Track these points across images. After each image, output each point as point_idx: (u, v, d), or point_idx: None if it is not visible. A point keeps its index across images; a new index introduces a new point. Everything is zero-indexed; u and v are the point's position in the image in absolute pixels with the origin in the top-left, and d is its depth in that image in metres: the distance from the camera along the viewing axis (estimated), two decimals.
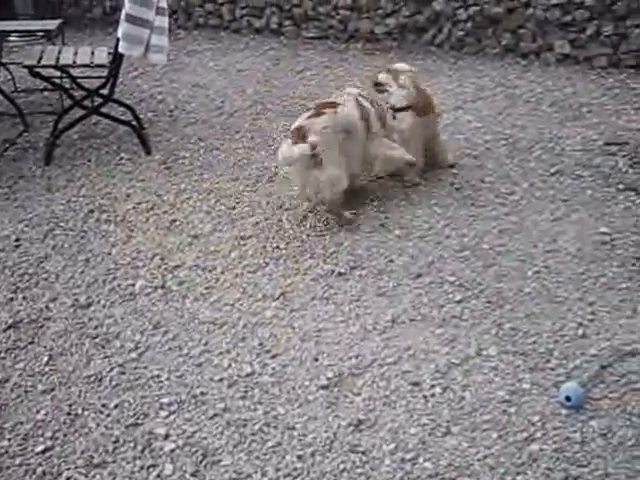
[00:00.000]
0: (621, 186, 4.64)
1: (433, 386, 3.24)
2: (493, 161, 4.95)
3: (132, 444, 2.98)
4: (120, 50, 4.76)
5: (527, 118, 5.47)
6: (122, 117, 5.41)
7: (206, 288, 3.84)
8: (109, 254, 4.11)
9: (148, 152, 5.06)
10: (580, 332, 3.52)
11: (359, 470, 2.88)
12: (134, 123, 5.30)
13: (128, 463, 2.91)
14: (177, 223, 4.34)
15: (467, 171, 4.83)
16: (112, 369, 3.35)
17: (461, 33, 6.45)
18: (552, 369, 3.32)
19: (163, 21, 4.78)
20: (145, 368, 3.35)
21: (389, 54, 6.57)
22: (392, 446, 2.97)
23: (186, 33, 7.14)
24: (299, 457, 2.93)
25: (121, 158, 5.00)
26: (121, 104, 5.39)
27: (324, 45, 6.78)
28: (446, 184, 4.66)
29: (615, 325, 3.58)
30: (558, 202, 4.51)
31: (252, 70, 6.34)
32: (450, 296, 3.74)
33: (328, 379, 3.27)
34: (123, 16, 4.70)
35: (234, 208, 4.47)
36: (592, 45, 6.16)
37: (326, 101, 4.51)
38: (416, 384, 3.25)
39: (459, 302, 3.70)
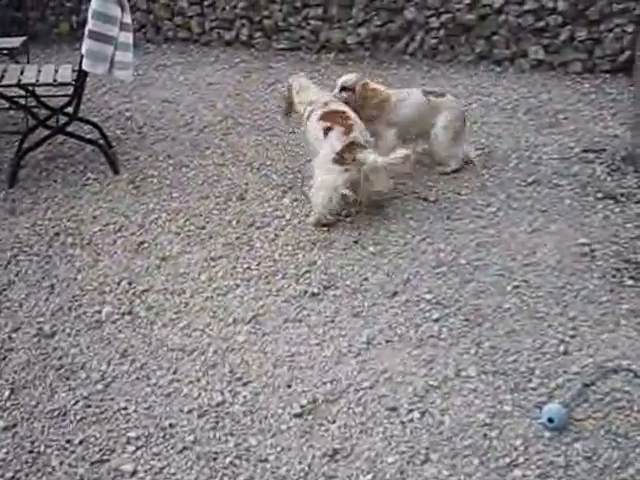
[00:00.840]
0: (600, 194, 4.56)
1: (411, 411, 3.13)
2: (469, 172, 4.86)
3: None
4: (84, 68, 4.63)
5: (503, 126, 5.39)
6: (89, 135, 5.28)
7: (175, 313, 3.71)
8: (75, 279, 3.98)
9: (116, 171, 4.92)
10: (562, 349, 3.42)
11: None
12: (101, 142, 5.16)
13: None
14: (145, 245, 4.21)
15: (443, 183, 4.73)
16: (77, 402, 3.21)
17: (434, 41, 6.37)
18: (534, 389, 3.22)
19: (127, 37, 4.66)
20: (111, 400, 3.22)
21: (362, 64, 6.48)
22: (369, 477, 2.85)
23: (155, 47, 7.02)
24: None
25: (88, 178, 4.87)
26: (87, 122, 5.25)
27: (296, 56, 6.68)
28: (421, 197, 4.55)
29: (597, 340, 3.48)
30: (536, 213, 4.42)
31: (222, 84, 6.23)
32: (427, 314, 3.63)
33: (302, 407, 3.15)
34: (86, 32, 4.57)
35: (204, 228, 4.34)
36: (566, 50, 6.10)
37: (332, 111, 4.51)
38: (393, 409, 3.13)
39: (436, 321, 3.59)
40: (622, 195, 4.55)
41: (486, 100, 5.77)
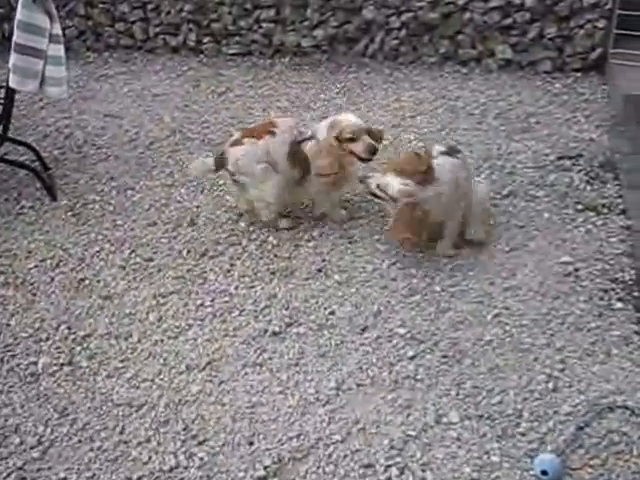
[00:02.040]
0: (579, 206, 4.34)
1: (389, 467, 2.88)
2: None
3: None
4: (11, 85, 4.29)
5: (472, 133, 5.15)
6: (23, 157, 4.93)
7: (121, 361, 3.40)
8: (7, 325, 3.65)
9: (53, 198, 4.59)
10: (550, 385, 3.20)
11: None
12: (36, 164, 4.82)
13: None
14: (86, 282, 3.89)
15: None
16: (10, 474, 2.91)
17: (395, 42, 6.11)
18: (523, 434, 3.00)
19: (58, 50, 4.32)
20: (49, 469, 2.93)
21: (319, 68, 6.19)
22: None
23: (96, 56, 6.65)
24: None
25: (22, 207, 4.52)
26: (20, 143, 4.90)
27: (248, 62, 6.36)
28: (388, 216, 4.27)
29: (588, 373, 3.27)
30: (513, 229, 4.18)
31: (169, 94, 5.90)
32: (401, 352, 3.38)
33: (266, 468, 2.88)
34: (12, 45, 4.23)
35: (151, 260, 4.03)
36: (535, 49, 5.88)
37: (260, 127, 4.32)
38: (369, 466, 2.89)
39: (412, 358, 3.35)
40: (603, 206, 4.34)
41: (453, 104, 5.52)
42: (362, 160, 4.09)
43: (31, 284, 3.90)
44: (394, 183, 3.78)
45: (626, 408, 3.08)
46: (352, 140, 4.03)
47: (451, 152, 4.08)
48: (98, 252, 4.11)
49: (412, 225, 3.78)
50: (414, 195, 3.74)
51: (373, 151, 4.06)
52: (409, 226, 3.78)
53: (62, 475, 2.88)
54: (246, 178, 4.07)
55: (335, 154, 4.05)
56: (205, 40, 6.52)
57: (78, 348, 3.48)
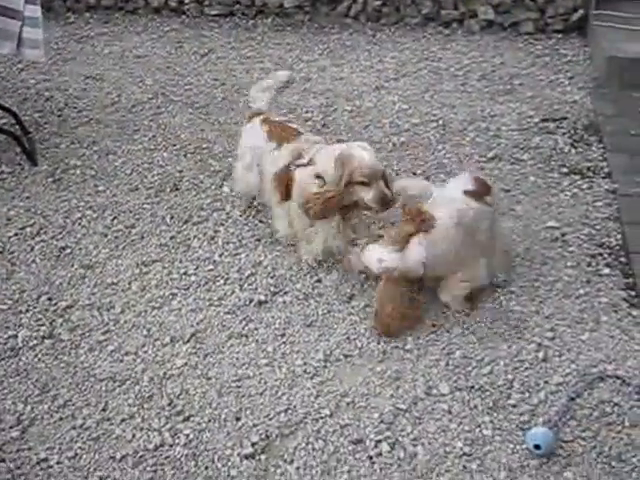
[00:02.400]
0: (564, 169, 4.12)
1: (379, 442, 2.68)
2: (423, 148, 4.37)
3: None
4: None
5: (456, 95, 4.89)
6: (2, 122, 4.62)
7: (103, 333, 3.17)
8: None
9: (34, 163, 4.30)
10: (541, 355, 3.01)
11: None
12: (16, 128, 4.52)
13: None
14: (67, 251, 3.63)
15: (397, 161, 4.23)
16: None
17: (378, 3, 5.80)
18: (514, 406, 2.81)
19: (35, 10, 4.00)
20: (30, 450, 2.70)
21: (301, 29, 5.87)
22: None
23: (76, 16, 6.27)
24: None
25: (1, 172, 4.22)
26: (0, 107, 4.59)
27: (230, 23, 6.02)
28: None
29: (578, 342, 3.08)
30: (499, 193, 3.95)
31: (151, 56, 5.56)
32: None
33: (253, 445, 2.68)
34: None
35: (134, 226, 3.77)
36: (517, 10, 5.59)
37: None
38: (359, 441, 2.69)
39: None
40: (588, 169, 4.12)
41: (436, 66, 5.24)
42: (368, 209, 3.28)
43: (10, 253, 3.63)
44: (372, 256, 3.08)
45: (617, 378, 2.90)
46: (363, 184, 3.21)
47: (475, 195, 3.21)
48: (79, 219, 3.84)
49: (398, 305, 3.05)
50: (395, 267, 3.03)
51: (385, 202, 3.22)
52: (395, 308, 3.05)
53: (43, 455, 2.66)
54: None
55: (334, 204, 3.24)
56: (187, 1, 6.17)
57: (59, 320, 3.24)
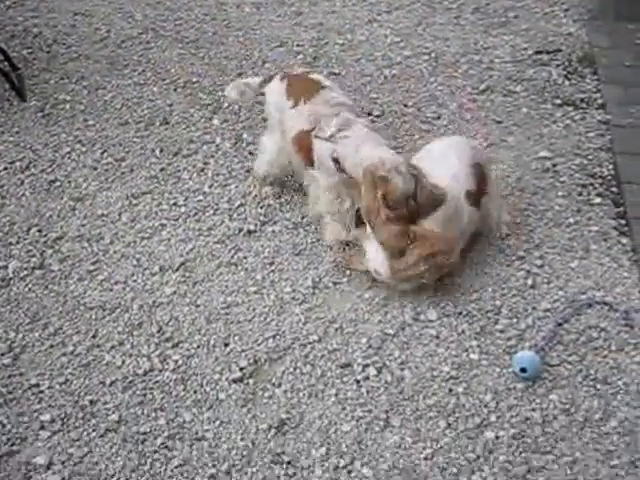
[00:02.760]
0: (558, 101, 4.06)
1: (366, 366, 2.69)
2: (415, 80, 4.29)
3: None
4: None
5: (449, 28, 4.79)
6: None
7: (93, 263, 3.16)
8: None
9: (22, 98, 4.23)
10: (529, 282, 3.01)
11: None
12: (4, 64, 4.44)
13: None
14: (57, 184, 3.60)
15: (388, 94, 4.17)
16: None
17: None
18: (501, 331, 2.81)
19: None
20: (21, 375, 2.70)
21: None
22: (323, 450, 2.44)
23: None
24: (211, 477, 2.37)
25: None
26: None
27: None
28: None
29: (567, 269, 3.07)
30: (491, 124, 3.91)
31: None
32: None
33: (242, 369, 2.69)
34: None
35: (123, 159, 3.73)
36: None
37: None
38: (346, 365, 2.70)
39: None
40: (582, 100, 4.06)
41: None
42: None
43: (0, 187, 3.60)
44: (373, 260, 2.96)
45: (605, 303, 2.90)
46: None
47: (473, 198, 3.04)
48: (69, 153, 3.79)
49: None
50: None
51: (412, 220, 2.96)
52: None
53: (34, 381, 2.67)
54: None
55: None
56: None
57: (49, 251, 3.22)
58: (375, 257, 2.95)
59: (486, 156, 3.34)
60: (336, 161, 3.09)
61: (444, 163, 3.08)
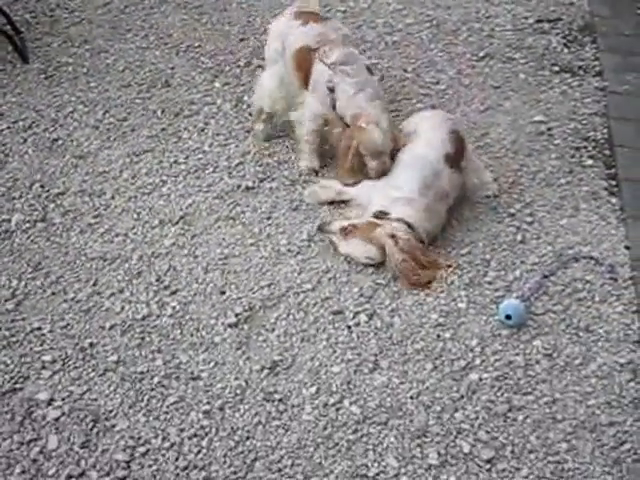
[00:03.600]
0: (556, 68, 4.19)
1: (357, 313, 2.85)
2: (415, 47, 4.43)
3: (9, 415, 2.55)
4: None
5: None
6: None
7: (94, 217, 3.32)
8: None
9: (25, 60, 4.38)
10: (519, 237, 3.16)
11: (276, 422, 2.51)
12: (7, 28, 4.58)
13: (5, 440, 2.47)
14: (59, 142, 3.75)
15: (387, 60, 4.30)
16: None
17: None
18: (489, 283, 2.97)
19: None
20: (24, 320, 2.87)
21: None
22: (313, 389, 2.59)
23: None
24: (206, 413, 2.53)
25: None
26: None
27: None
28: None
29: (556, 226, 3.22)
30: (489, 89, 4.04)
31: None
32: None
33: (237, 315, 2.84)
34: None
35: (125, 120, 3.88)
36: None
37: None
38: (338, 312, 2.85)
39: None
40: (580, 68, 4.19)
41: None
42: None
43: (3, 144, 3.75)
44: (358, 254, 3.03)
45: (591, 258, 3.05)
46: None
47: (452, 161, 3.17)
48: (71, 113, 3.95)
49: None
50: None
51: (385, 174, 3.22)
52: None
53: (36, 325, 2.83)
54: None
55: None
56: None
57: (51, 205, 3.38)
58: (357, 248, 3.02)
59: (462, 126, 3.49)
60: (331, 90, 3.24)
61: (419, 134, 3.23)
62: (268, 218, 3.26)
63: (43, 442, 2.45)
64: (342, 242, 3.00)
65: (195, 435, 2.46)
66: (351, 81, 3.24)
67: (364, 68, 3.36)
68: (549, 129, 3.75)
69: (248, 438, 2.46)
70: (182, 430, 2.48)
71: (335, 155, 3.43)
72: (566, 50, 4.37)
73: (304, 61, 3.37)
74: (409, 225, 2.98)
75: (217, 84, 4.12)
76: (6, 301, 2.94)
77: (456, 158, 3.16)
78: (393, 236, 2.92)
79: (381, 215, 3.02)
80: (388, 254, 2.93)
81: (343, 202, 3.29)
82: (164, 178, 3.50)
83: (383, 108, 3.28)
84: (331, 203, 3.32)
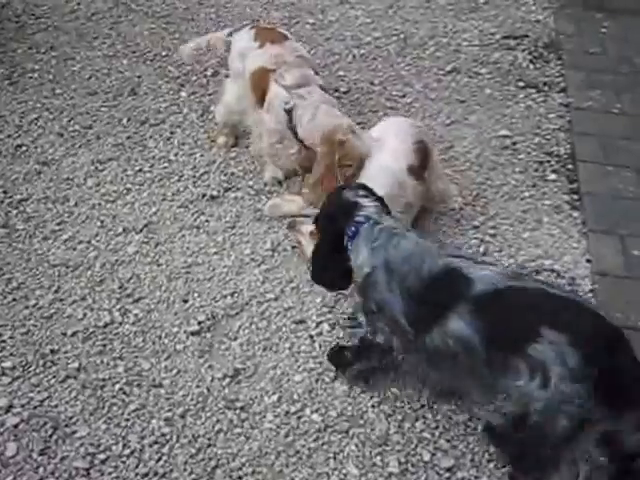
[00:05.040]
0: (521, 83, 4.29)
1: (320, 323, 2.90)
2: (383, 60, 4.51)
3: None
4: None
5: (420, 11, 5.02)
6: None
7: (57, 224, 3.33)
8: None
9: None
10: (481, 249, 3.22)
11: (237, 430, 2.54)
12: None
13: None
14: (23, 149, 3.76)
15: (355, 73, 4.37)
16: None
17: None
18: None
19: None
20: None
21: None
22: (275, 398, 2.63)
23: None
24: (167, 420, 2.56)
25: None
26: None
27: None
28: (330, 90, 4.16)
29: (518, 239, 3.30)
30: (454, 103, 4.13)
31: None
32: None
33: (200, 323, 2.88)
34: None
35: (91, 127, 3.91)
36: None
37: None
38: (301, 322, 2.90)
39: None
40: (544, 84, 4.30)
41: None
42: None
43: None
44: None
45: (552, 271, 3.13)
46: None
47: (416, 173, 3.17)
48: (36, 119, 3.96)
49: None
50: None
51: None
52: None
53: None
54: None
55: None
56: None
57: (14, 212, 3.39)
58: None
59: (428, 134, 3.52)
60: (288, 112, 3.30)
61: (384, 142, 3.23)
62: (232, 227, 3.30)
63: (1, 449, 2.46)
64: (310, 246, 3.03)
65: (156, 442, 2.48)
66: (307, 104, 3.30)
67: (317, 88, 3.40)
68: (514, 143, 3.84)
69: (209, 446, 2.49)
70: (143, 437, 2.50)
71: (299, 174, 3.50)
72: (531, 66, 4.48)
73: (260, 81, 3.44)
74: None
75: (184, 93, 4.16)
76: None
77: (420, 169, 3.22)
78: None
79: None
80: None
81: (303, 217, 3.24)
82: (129, 186, 3.53)
83: (343, 115, 3.36)
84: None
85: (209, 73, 4.32)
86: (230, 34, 3.73)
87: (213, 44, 3.83)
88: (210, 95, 4.13)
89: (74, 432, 2.51)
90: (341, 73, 4.35)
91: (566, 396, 2.07)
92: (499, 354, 2.17)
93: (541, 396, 2.10)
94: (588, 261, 3.18)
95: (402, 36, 4.74)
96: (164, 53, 4.52)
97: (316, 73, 3.53)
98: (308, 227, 3.06)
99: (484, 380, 2.26)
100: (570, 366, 2.06)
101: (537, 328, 2.11)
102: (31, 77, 4.32)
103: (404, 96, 4.19)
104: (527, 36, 4.77)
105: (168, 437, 2.50)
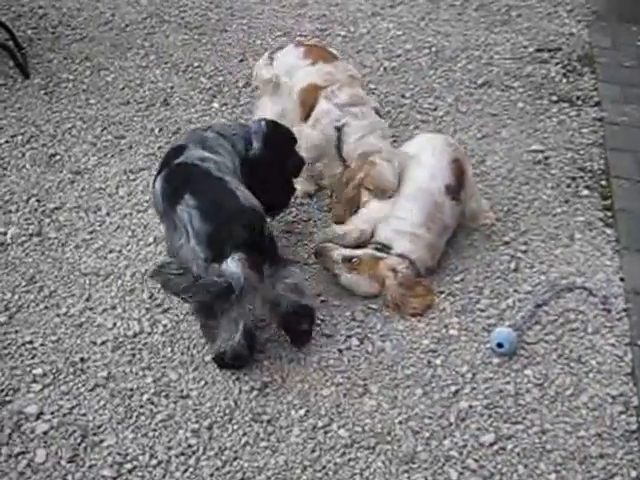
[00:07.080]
0: (554, 97, 4.26)
1: (349, 337, 2.89)
2: (414, 73, 4.50)
3: None
4: None
5: (452, 24, 5.01)
6: None
7: (89, 233, 3.36)
8: None
9: (26, 76, 4.45)
10: (512, 265, 3.20)
11: (264, 443, 2.54)
12: (9, 43, 4.65)
13: None
14: (57, 157, 3.81)
15: (386, 85, 4.37)
16: None
17: None
18: (482, 310, 3.01)
19: None
20: (16, 333, 2.91)
21: None
22: (302, 412, 2.62)
23: None
24: (194, 432, 2.56)
25: None
26: None
27: None
28: None
29: (550, 256, 3.27)
30: (486, 117, 4.11)
31: None
32: None
33: None
34: None
35: (123, 137, 3.95)
36: None
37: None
38: (329, 336, 2.88)
39: None
40: (578, 98, 4.27)
41: None
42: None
43: (1, 158, 3.80)
44: (360, 289, 3.06)
45: (584, 289, 3.09)
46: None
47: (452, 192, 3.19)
48: (70, 129, 4.01)
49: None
50: None
51: None
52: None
53: (28, 338, 2.87)
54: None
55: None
56: None
57: (47, 220, 3.43)
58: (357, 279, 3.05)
59: (463, 151, 3.48)
60: (338, 130, 3.31)
61: (421, 161, 3.25)
62: None
63: (31, 455, 2.48)
64: (345, 274, 3.03)
65: (182, 453, 2.49)
66: (360, 123, 3.31)
67: (372, 111, 3.41)
68: (546, 158, 3.81)
69: (235, 458, 2.48)
70: (170, 448, 2.50)
71: (333, 192, 3.46)
72: (565, 80, 4.45)
73: (309, 97, 3.44)
74: (410, 261, 3.03)
75: (215, 104, 4.19)
76: None
77: (457, 189, 3.20)
78: (394, 270, 2.98)
79: (383, 248, 3.07)
80: (387, 286, 2.98)
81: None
82: None
83: (394, 149, 3.36)
84: None
85: (241, 84, 4.35)
86: (271, 57, 3.71)
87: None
88: (241, 106, 4.16)
89: (102, 441, 2.53)
90: (372, 86, 4.35)
91: (195, 253, 2.59)
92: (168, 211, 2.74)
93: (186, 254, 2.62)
94: (621, 279, 3.14)
95: (434, 49, 4.74)
96: (196, 64, 4.56)
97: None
98: (338, 253, 3.06)
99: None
100: (195, 228, 2.59)
101: (183, 194, 2.67)
102: (66, 87, 4.37)
103: (435, 109, 4.18)
104: (560, 49, 4.75)
105: (195, 449, 2.50)
